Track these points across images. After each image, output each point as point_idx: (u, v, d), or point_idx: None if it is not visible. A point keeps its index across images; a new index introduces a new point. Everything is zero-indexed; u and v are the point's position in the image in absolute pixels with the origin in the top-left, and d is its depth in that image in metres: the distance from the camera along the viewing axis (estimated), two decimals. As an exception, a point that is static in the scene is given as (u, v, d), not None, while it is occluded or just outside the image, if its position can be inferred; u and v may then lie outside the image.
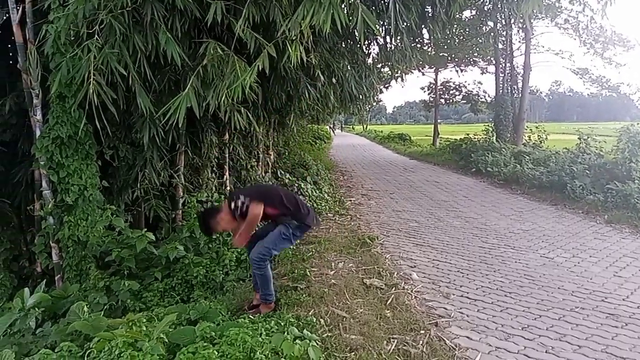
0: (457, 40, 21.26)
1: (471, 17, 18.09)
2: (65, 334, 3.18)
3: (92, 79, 3.87)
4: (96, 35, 3.94)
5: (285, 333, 2.90)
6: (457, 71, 25.43)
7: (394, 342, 3.36)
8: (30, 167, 5.21)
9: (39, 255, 5.17)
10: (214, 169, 7.92)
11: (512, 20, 15.28)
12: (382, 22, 5.93)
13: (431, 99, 29.56)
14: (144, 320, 3.00)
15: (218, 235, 5.35)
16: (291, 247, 4.93)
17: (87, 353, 2.68)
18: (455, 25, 16.01)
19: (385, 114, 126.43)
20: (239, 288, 4.51)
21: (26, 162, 5.37)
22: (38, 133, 4.77)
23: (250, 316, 3.45)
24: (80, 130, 4.58)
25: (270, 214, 3.74)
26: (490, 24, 18.20)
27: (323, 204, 9.04)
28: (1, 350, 2.99)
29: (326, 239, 6.26)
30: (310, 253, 5.44)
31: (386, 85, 23.74)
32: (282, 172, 11.02)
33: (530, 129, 16.72)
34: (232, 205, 3.64)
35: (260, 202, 3.62)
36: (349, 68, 7.04)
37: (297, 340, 2.79)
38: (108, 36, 4.00)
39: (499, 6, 8.10)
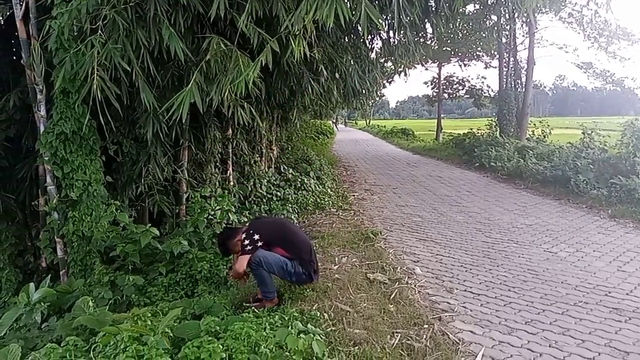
0: (460, 35, 21.17)
1: (475, 11, 18.02)
2: (71, 328, 3.21)
3: (95, 75, 3.88)
4: (100, 31, 3.94)
5: (290, 327, 2.91)
6: (460, 66, 25.35)
7: (397, 336, 3.37)
8: (35, 163, 5.24)
9: (44, 251, 5.21)
10: (218, 164, 7.93)
11: (516, 15, 15.13)
12: (385, 17, 5.89)
13: (434, 94, 29.49)
14: (149, 314, 3.02)
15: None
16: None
17: (92, 347, 2.70)
18: (458, 20, 15.86)
19: (388, 109, 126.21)
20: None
21: (30, 158, 5.40)
22: (42, 129, 4.79)
23: (255, 310, 3.46)
24: (84, 126, 4.59)
25: (280, 254, 3.85)
26: (494, 18, 18.08)
27: (326, 199, 9.06)
28: (7, 344, 3.01)
29: (329, 233, 6.28)
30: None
31: (389, 80, 23.64)
32: (285, 167, 11.02)
33: (534, 124, 16.69)
34: (244, 236, 3.77)
35: (250, 255, 3.70)
36: (352, 63, 7.02)
37: (301, 335, 2.79)
38: (111, 32, 4.01)
39: (503, 0, 8.06)
